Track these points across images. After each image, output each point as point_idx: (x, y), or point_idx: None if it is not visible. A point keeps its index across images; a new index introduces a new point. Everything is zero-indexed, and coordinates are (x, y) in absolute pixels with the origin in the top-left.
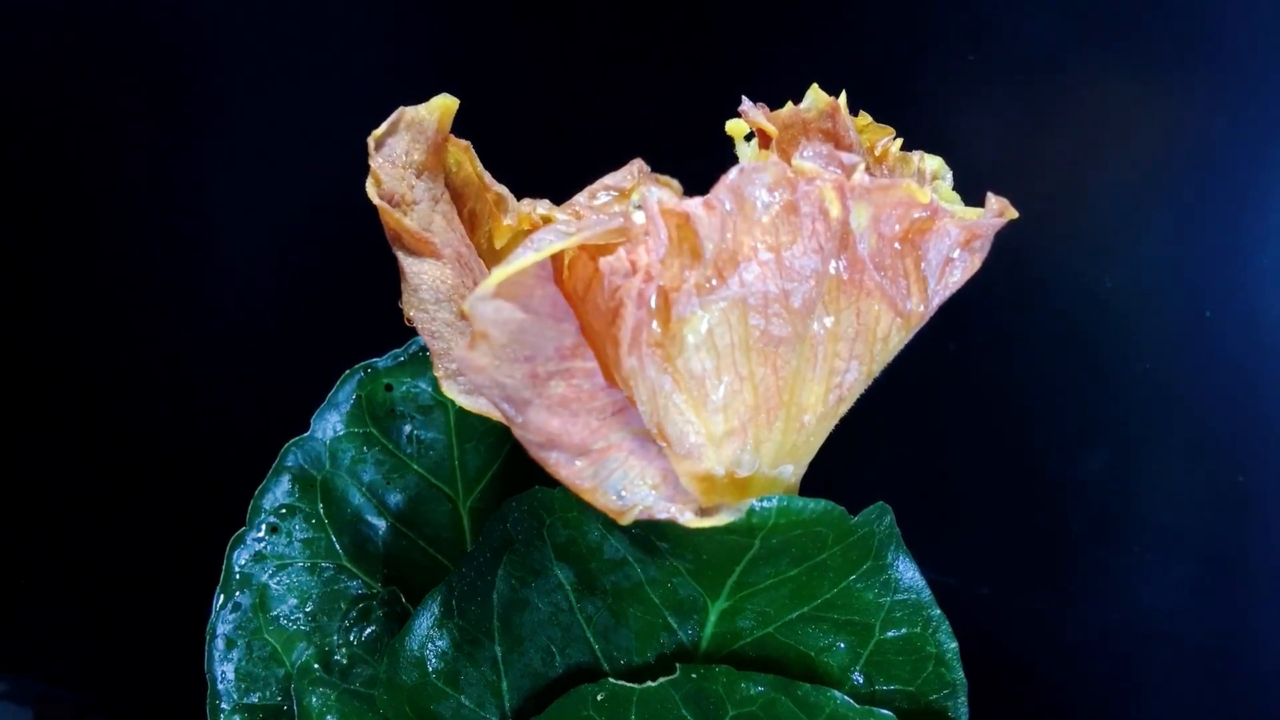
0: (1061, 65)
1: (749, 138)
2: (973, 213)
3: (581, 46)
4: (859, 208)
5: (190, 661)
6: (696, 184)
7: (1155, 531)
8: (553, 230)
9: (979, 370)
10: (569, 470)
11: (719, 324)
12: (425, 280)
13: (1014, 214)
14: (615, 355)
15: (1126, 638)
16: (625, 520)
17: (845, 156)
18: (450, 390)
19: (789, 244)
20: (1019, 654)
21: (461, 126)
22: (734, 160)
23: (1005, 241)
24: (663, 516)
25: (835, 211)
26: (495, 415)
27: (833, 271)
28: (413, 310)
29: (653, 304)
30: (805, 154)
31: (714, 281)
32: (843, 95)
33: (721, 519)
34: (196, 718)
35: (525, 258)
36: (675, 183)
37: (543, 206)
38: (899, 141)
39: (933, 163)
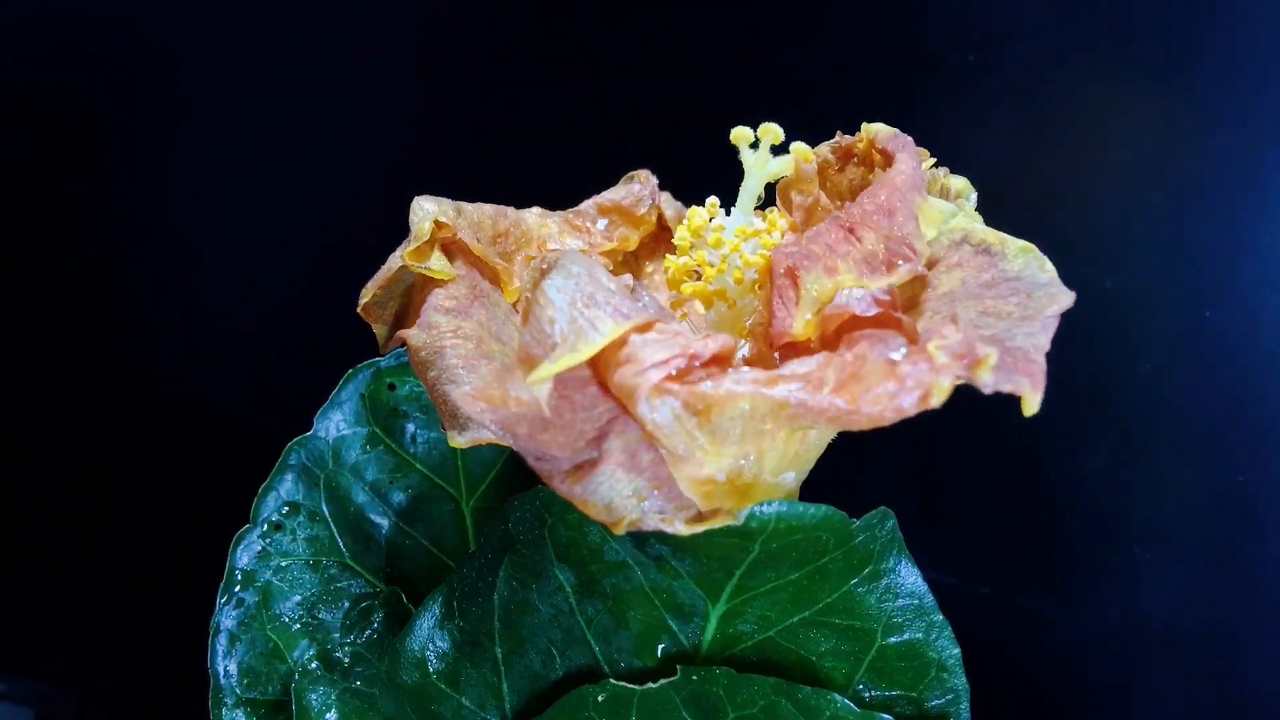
0: (1063, 68)
1: (754, 145)
2: (1024, 253)
3: (586, 51)
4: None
5: (190, 660)
6: (698, 187)
7: (1155, 532)
8: (601, 296)
9: None
10: (560, 482)
11: (761, 404)
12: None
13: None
14: (619, 383)
15: (1126, 638)
16: (618, 531)
17: (980, 348)
18: (455, 441)
19: (870, 402)
20: (1019, 653)
21: (464, 127)
22: (738, 165)
23: None
24: (651, 528)
25: (936, 401)
26: (493, 440)
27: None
28: (420, 372)
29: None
30: (945, 340)
31: (778, 386)
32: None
33: (716, 523)
34: (197, 717)
35: (575, 354)
36: (675, 203)
37: (553, 221)
38: (930, 161)
39: (958, 182)
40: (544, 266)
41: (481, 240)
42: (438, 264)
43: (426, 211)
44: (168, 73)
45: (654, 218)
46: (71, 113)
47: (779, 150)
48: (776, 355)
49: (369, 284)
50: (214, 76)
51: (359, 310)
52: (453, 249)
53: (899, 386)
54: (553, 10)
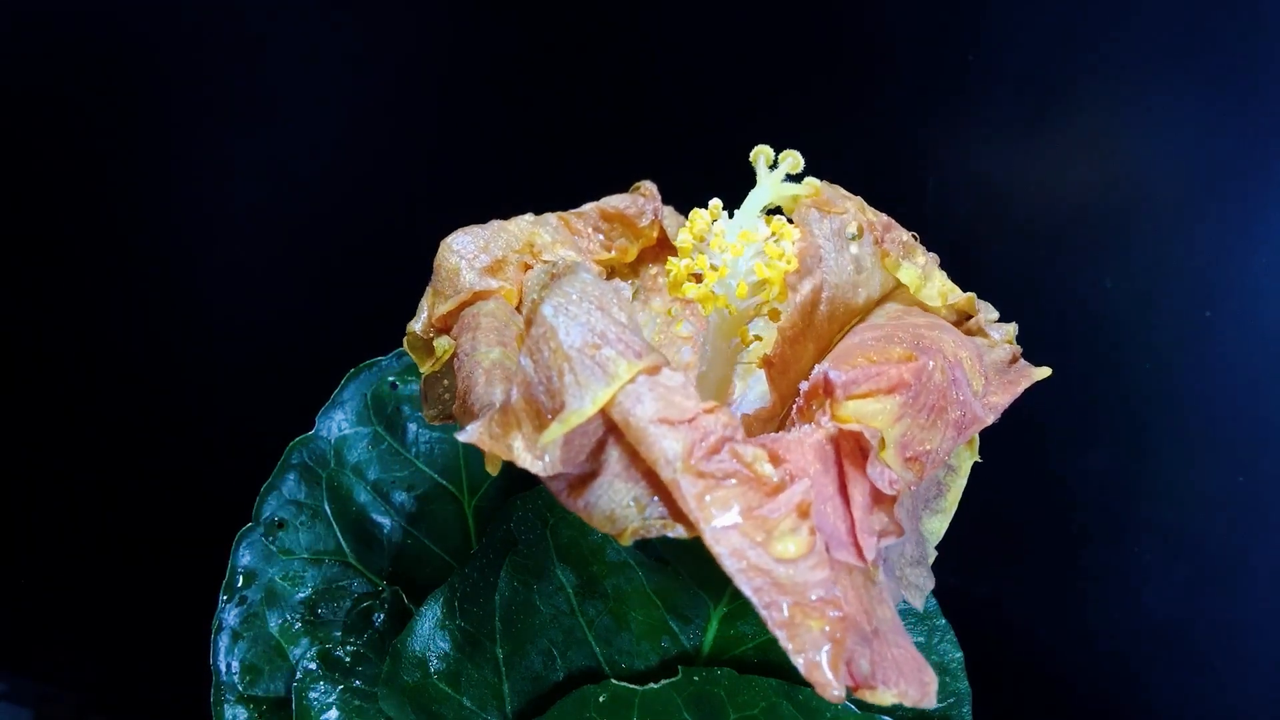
0: (1063, 68)
1: (773, 166)
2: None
3: (594, 57)
4: None
5: (191, 659)
6: (697, 191)
7: (1156, 531)
8: (612, 331)
9: None
10: (566, 496)
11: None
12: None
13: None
14: (622, 420)
15: (1127, 638)
16: (623, 541)
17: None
18: (491, 471)
19: (789, 636)
20: (1020, 654)
21: (466, 128)
22: (751, 173)
23: (1006, 242)
24: (654, 534)
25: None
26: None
27: None
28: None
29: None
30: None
31: (753, 576)
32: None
33: None
34: (197, 715)
35: (586, 408)
36: (678, 217)
37: (547, 229)
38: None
39: (992, 315)
40: (554, 273)
41: (460, 285)
42: (440, 349)
43: (410, 328)
44: (171, 75)
45: (655, 232)
46: (74, 115)
47: (793, 178)
48: (802, 388)
49: (424, 410)
50: (218, 79)
51: (432, 421)
52: (445, 321)
53: (812, 647)
54: (562, 20)
